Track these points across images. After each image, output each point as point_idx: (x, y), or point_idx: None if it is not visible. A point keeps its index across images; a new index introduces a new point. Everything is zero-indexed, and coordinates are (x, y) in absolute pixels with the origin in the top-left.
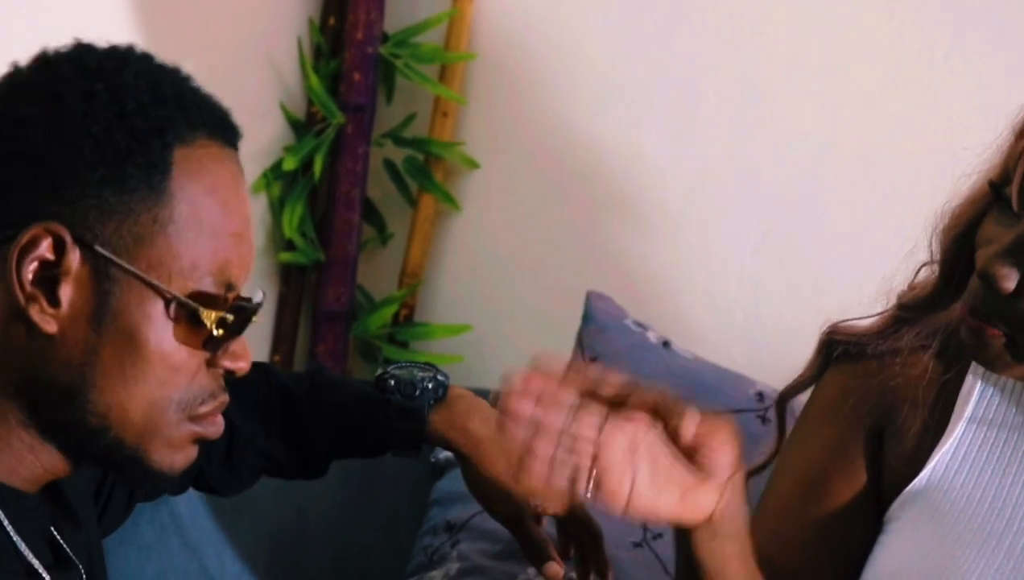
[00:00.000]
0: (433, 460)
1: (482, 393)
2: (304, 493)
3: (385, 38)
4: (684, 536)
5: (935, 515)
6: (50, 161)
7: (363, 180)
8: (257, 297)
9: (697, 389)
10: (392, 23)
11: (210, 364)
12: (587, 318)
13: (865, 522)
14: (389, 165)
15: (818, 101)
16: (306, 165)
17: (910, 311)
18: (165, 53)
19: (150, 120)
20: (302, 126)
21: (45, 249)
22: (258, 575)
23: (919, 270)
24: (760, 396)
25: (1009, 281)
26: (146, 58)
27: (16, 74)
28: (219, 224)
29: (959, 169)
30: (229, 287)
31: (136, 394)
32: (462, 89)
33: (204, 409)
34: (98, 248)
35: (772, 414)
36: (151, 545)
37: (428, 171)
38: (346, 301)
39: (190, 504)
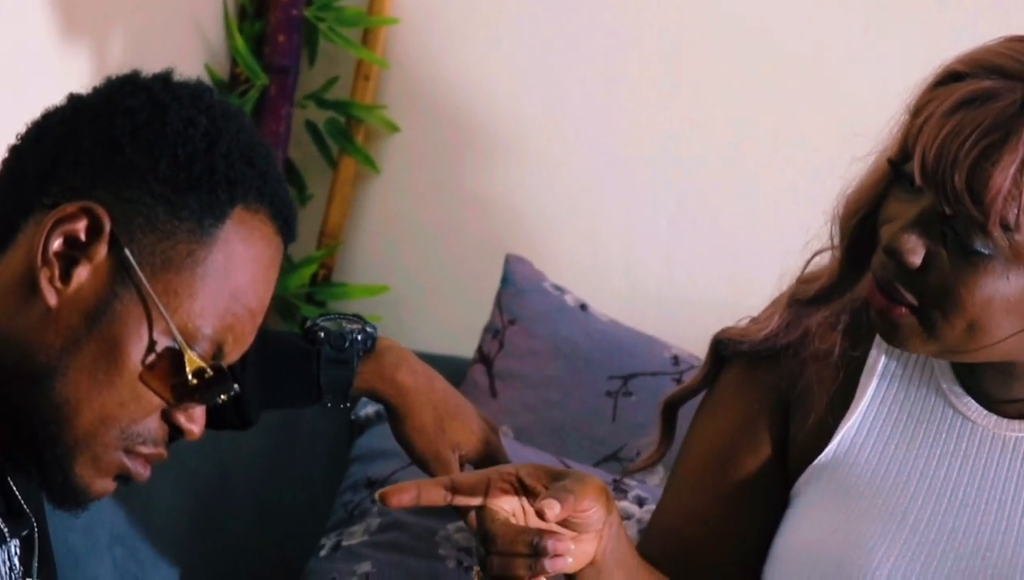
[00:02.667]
0: (353, 418)
1: None
2: (226, 449)
3: (309, 1)
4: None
5: (840, 490)
6: (128, 155)
7: (285, 141)
8: (235, 387)
9: (613, 352)
10: None
11: (166, 414)
12: (506, 281)
13: (771, 495)
14: (311, 127)
15: (737, 74)
16: None
17: (811, 305)
18: (90, 15)
19: (231, 170)
20: (226, 87)
21: (80, 228)
22: (183, 529)
23: (810, 261)
24: (675, 359)
25: (915, 255)
26: (253, 128)
27: (135, 75)
28: (241, 292)
29: (853, 153)
30: (219, 352)
31: (94, 400)
32: (384, 53)
33: (143, 450)
34: (127, 252)
35: (687, 377)
36: None
37: (349, 133)
38: None
39: None
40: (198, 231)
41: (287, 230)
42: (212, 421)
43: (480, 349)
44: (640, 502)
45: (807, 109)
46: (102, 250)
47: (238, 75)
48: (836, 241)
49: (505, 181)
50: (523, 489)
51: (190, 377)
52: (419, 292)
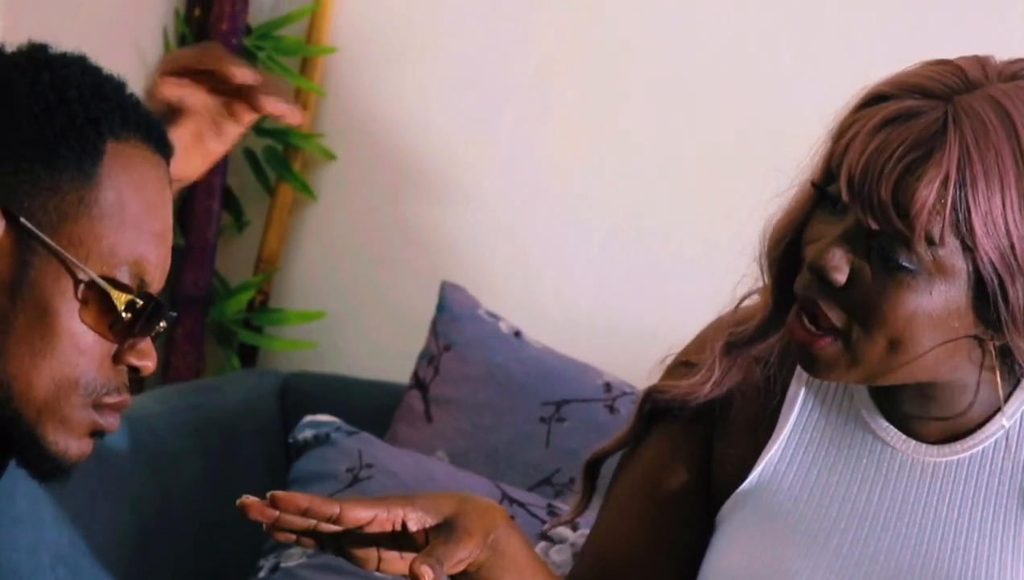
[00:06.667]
0: (291, 441)
1: (336, 379)
2: (166, 472)
3: (248, 30)
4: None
5: (764, 516)
6: None
7: (223, 168)
8: (171, 313)
9: (546, 378)
10: (256, 16)
11: (117, 359)
12: (441, 308)
13: (695, 521)
14: (249, 154)
15: (669, 102)
16: None
17: (749, 345)
18: (31, 38)
19: (88, 110)
20: None
21: None
22: (124, 550)
23: (739, 305)
24: (608, 386)
25: (840, 272)
26: (95, 66)
27: None
28: (142, 220)
29: (772, 189)
30: (142, 283)
31: (43, 368)
32: (322, 82)
33: (109, 400)
34: (23, 220)
35: (619, 404)
36: (24, 518)
37: (287, 161)
38: (204, 286)
39: None
40: (80, 177)
41: (162, 146)
42: None
43: (416, 375)
44: (574, 527)
45: (739, 138)
46: (0, 228)
47: None
48: (765, 272)
49: (440, 208)
50: (403, 529)
51: (123, 312)
52: (355, 318)
